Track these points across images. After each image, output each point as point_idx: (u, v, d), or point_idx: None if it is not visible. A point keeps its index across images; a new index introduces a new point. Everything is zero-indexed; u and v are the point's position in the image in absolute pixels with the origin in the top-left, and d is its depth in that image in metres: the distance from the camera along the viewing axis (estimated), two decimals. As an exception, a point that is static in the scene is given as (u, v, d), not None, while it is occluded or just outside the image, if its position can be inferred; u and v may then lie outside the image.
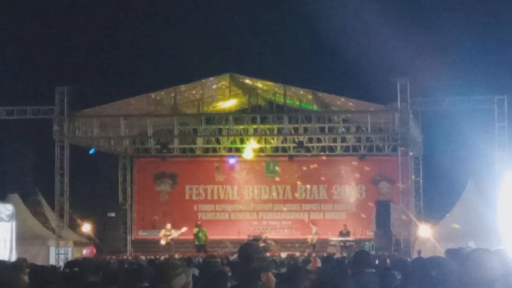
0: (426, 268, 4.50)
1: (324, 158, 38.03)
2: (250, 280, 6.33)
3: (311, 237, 35.08)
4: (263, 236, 33.94)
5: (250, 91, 35.03)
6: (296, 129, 34.03)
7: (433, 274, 4.46)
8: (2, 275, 4.93)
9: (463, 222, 31.08)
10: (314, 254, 29.23)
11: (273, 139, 36.58)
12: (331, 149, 37.37)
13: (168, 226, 34.09)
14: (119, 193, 38.58)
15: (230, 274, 9.87)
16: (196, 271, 12.29)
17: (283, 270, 7.45)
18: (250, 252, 6.54)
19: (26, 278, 9.15)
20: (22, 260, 14.82)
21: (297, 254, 30.62)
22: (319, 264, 16.96)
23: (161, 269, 4.63)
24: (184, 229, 33.48)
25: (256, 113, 34.63)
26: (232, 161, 38.07)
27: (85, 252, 33.03)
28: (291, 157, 37.92)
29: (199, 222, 34.99)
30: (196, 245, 34.26)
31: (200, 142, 37.16)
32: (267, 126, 34.72)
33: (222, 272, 10.26)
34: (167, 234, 33.53)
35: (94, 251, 33.70)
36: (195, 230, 34.21)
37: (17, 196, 33.50)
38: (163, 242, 33.42)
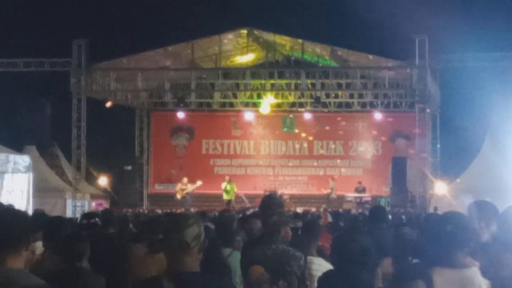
0: (440, 223, 4.49)
1: (341, 114, 37.96)
2: (271, 234, 6.38)
3: (328, 191, 34.92)
4: (279, 192, 33.97)
5: (268, 46, 34.91)
6: (313, 85, 34.00)
7: (448, 229, 4.45)
8: (23, 227, 4.90)
9: (480, 179, 30.96)
10: (329, 210, 29.27)
11: (290, 94, 36.48)
12: (348, 105, 37.25)
13: (185, 180, 33.95)
14: (135, 147, 38.75)
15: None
16: (212, 226, 12.26)
17: (299, 224, 7.51)
18: (271, 205, 6.59)
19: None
20: (41, 211, 14.97)
21: (313, 209, 30.71)
22: (330, 219, 17.01)
23: (173, 220, 4.67)
24: (199, 183, 33.38)
25: (274, 68, 34.62)
26: (249, 116, 38.03)
27: (94, 205, 33.19)
28: (308, 112, 37.78)
29: (227, 177, 34.84)
30: (225, 199, 33.90)
31: (217, 96, 37.15)
32: (284, 81, 34.72)
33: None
34: (183, 188, 33.49)
35: (104, 204, 33.88)
36: (224, 184, 33.99)
37: (34, 148, 33.60)
38: (178, 196, 33.41)
